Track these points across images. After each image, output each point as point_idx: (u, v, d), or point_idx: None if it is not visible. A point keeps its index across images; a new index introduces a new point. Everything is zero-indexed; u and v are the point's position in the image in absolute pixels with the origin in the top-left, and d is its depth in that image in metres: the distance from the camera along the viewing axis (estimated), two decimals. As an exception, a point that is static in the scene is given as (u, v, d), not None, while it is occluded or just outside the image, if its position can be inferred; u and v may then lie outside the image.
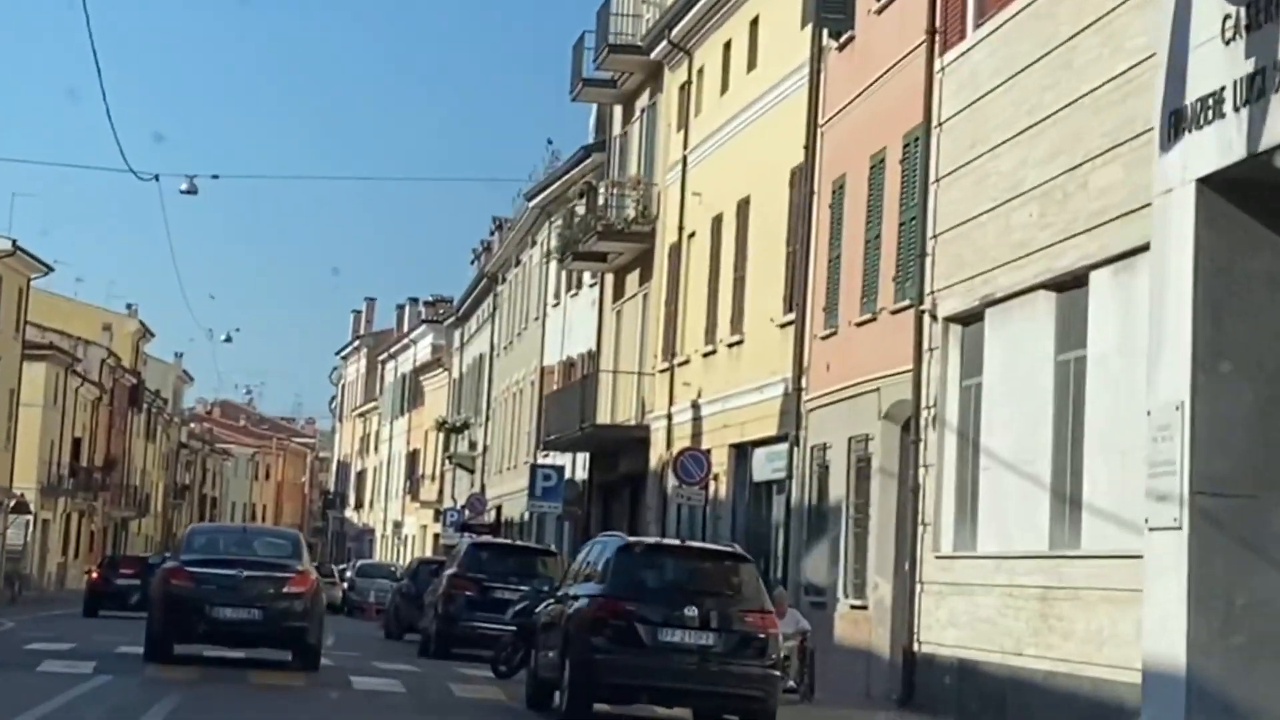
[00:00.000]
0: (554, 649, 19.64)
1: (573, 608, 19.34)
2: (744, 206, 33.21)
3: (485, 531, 58.76)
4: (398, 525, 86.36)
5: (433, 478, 79.87)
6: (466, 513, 61.18)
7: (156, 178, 42.96)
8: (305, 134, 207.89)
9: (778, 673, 18.90)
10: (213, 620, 23.14)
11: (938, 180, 23.18)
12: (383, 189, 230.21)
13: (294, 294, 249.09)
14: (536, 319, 54.56)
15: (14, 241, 70.17)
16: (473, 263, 77.08)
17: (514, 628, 25.01)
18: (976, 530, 21.26)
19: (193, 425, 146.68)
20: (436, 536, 78.33)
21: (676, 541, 21.26)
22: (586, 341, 46.23)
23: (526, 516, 52.69)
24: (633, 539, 20.19)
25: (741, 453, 32.31)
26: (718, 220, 34.78)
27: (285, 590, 23.37)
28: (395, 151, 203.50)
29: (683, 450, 32.76)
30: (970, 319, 22.03)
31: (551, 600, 20.68)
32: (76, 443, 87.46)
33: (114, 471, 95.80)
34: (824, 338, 27.91)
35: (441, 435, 75.86)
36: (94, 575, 51.47)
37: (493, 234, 72.22)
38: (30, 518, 77.93)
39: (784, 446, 29.47)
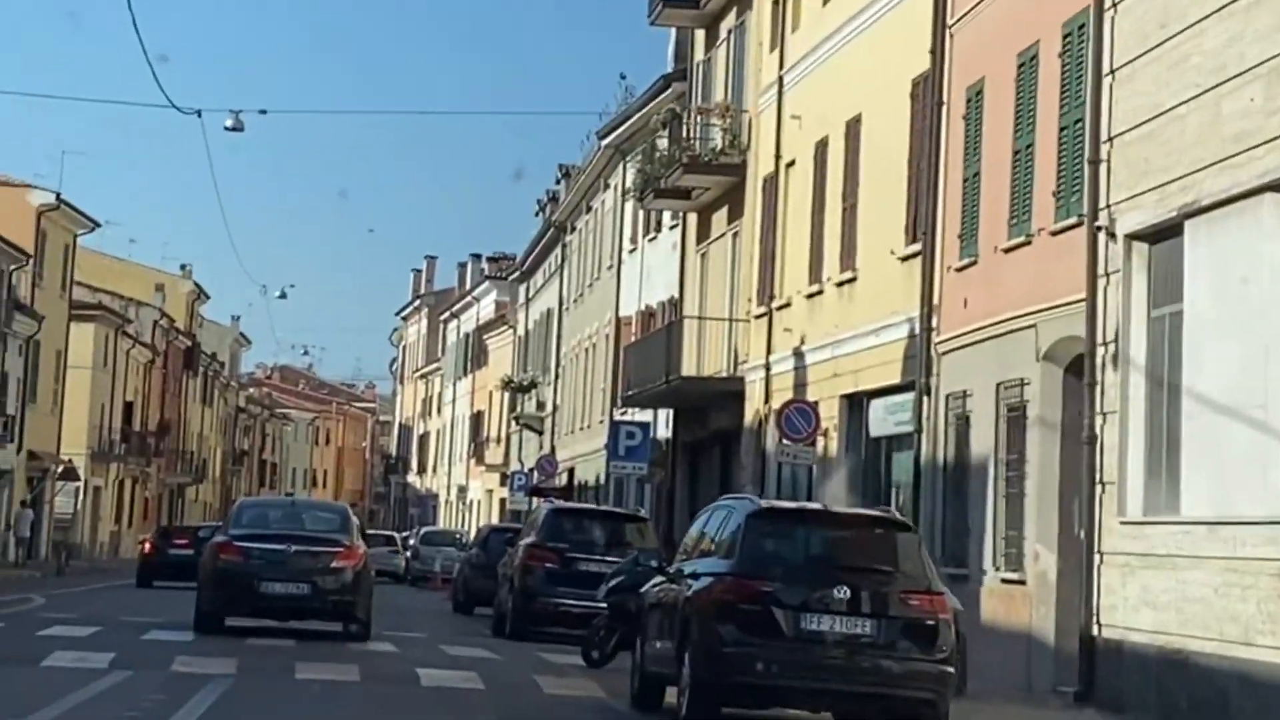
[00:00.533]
0: (668, 638, 16.06)
1: (692, 588, 15.68)
2: (854, 127, 29.37)
3: (557, 495, 55.19)
4: (462, 490, 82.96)
5: (498, 440, 76.39)
6: (536, 476, 57.61)
7: (199, 113, 39.38)
8: (352, 78, 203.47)
9: (950, 668, 15.15)
10: (262, 595, 23.46)
11: (1113, 72, 19.30)
12: (441, 143, 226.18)
13: (349, 253, 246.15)
14: (610, 268, 50.86)
15: (58, 195, 66.84)
16: (538, 214, 73.44)
17: (606, 607, 21.37)
18: (1179, 490, 17.41)
19: (251, 390, 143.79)
20: (503, 502, 74.85)
21: (819, 506, 17.39)
22: (667, 289, 42.52)
23: (602, 479, 49.06)
24: (766, 503, 16.47)
25: (855, 405, 28.54)
26: (822, 145, 30.95)
27: (333, 565, 23.63)
28: (453, 94, 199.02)
29: (788, 403, 29.00)
30: (1162, 235, 18.18)
31: (661, 578, 17.01)
32: (128, 407, 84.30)
33: (168, 436, 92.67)
34: (960, 269, 24.08)
35: (507, 395, 72.33)
36: (147, 546, 50.54)
37: (559, 182, 68.50)
38: (79, 485, 74.83)
39: (909, 396, 25.69)
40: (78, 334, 74.33)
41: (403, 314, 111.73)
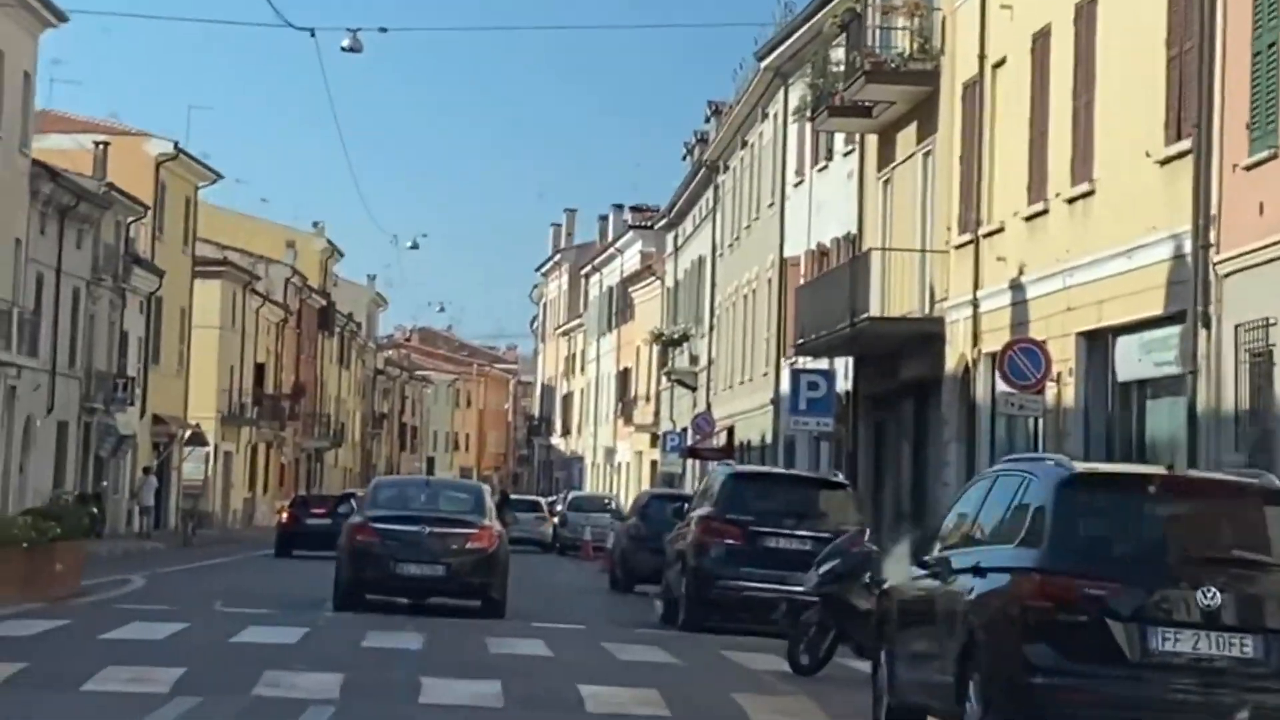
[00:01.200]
0: (942, 657, 11.44)
1: (976, 590, 10.98)
2: (1086, 9, 24.38)
3: (715, 456, 50.58)
4: (610, 452, 78.66)
5: (647, 398, 71.90)
6: (691, 435, 53.05)
7: (312, 32, 35.06)
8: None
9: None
10: (398, 575, 23.68)
11: None
12: (577, 92, 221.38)
13: (487, 210, 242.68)
14: (771, 206, 46.05)
15: (176, 144, 63.03)
16: (685, 157, 68.76)
17: (818, 599, 16.75)
18: None
19: (389, 352, 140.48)
20: (654, 464, 70.35)
21: (1158, 470, 12.22)
22: (842, 223, 37.68)
23: (768, 438, 44.38)
24: (1083, 466, 11.64)
25: (1096, 343, 23.61)
26: (1041, 37, 25.97)
27: (468, 546, 23.76)
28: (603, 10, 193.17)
29: (1011, 343, 24.08)
30: None
31: (923, 572, 12.20)
32: (259, 368, 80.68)
33: (303, 399, 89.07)
34: (1249, 168, 19.11)
35: (657, 350, 67.79)
36: (285, 516, 49.90)
37: (708, 121, 63.75)
38: (209, 450, 71.24)
39: (1174, 330, 20.78)
40: (203, 291, 70.67)
41: (542, 270, 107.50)
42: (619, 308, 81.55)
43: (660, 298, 70.45)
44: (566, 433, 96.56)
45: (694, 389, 60.64)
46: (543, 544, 58.95)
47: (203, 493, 71.90)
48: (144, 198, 59.33)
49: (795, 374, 30.63)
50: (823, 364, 35.79)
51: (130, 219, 58.64)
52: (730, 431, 50.79)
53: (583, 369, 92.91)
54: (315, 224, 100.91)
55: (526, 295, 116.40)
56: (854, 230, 36.62)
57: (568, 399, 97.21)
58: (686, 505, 27.70)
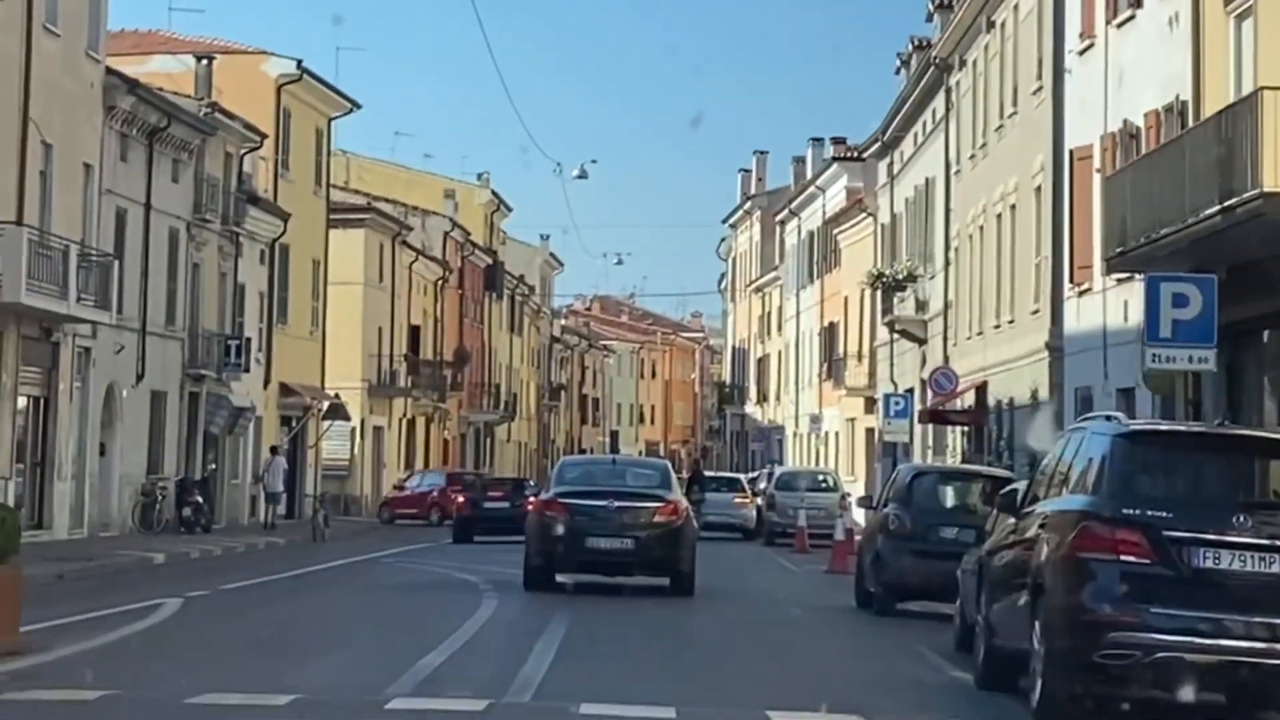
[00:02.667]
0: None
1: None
2: None
3: (964, 420, 40.05)
4: (815, 420, 68.18)
5: (859, 357, 61.28)
6: (930, 395, 42.53)
7: None
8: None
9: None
10: (589, 550, 24.00)
11: None
12: (764, 25, 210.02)
13: (665, 150, 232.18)
14: (1038, 91, 35.26)
15: (299, 63, 53.40)
16: (899, 70, 58.05)
17: None
18: None
19: (567, 319, 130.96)
20: (872, 432, 59.79)
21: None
22: (1163, 87, 26.91)
23: (1044, 393, 33.68)
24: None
25: None
26: None
27: (656, 520, 24.14)
28: None
29: None
30: None
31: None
32: (414, 331, 71.16)
33: (467, 367, 79.42)
34: None
35: (872, 300, 57.21)
36: (460, 502, 47.11)
37: (930, 19, 52.93)
38: (354, 425, 61.84)
39: None
40: (343, 242, 61.21)
41: (730, 220, 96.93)
42: (821, 255, 70.94)
43: (873, 237, 59.76)
44: (763, 400, 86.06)
45: (922, 341, 50.03)
46: (744, 530, 48.70)
47: (348, 475, 62.54)
48: (262, 126, 49.91)
49: (1153, 282, 19.89)
50: (1125, 294, 24.89)
51: (244, 149, 49.14)
52: (981, 389, 40.16)
53: (780, 328, 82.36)
54: (480, 175, 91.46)
55: (713, 256, 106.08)
56: (1183, 94, 25.87)
57: (763, 363, 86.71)
58: (1000, 487, 17.59)
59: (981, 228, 40.96)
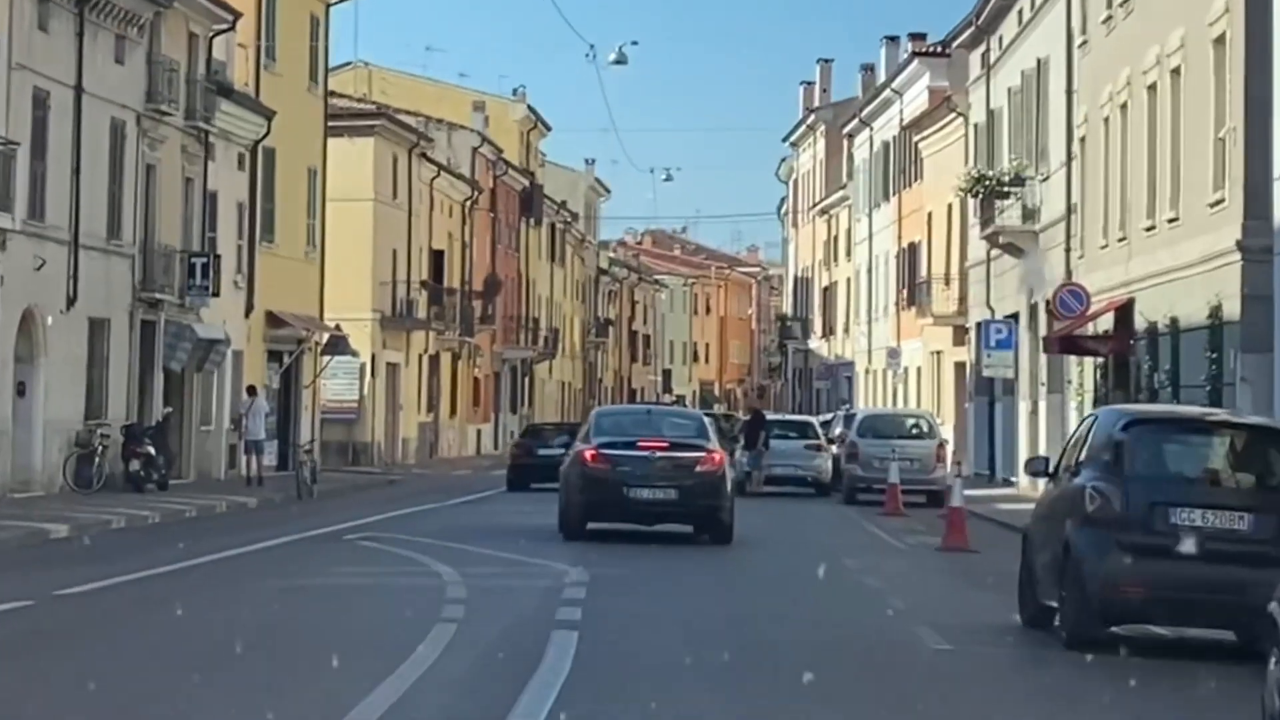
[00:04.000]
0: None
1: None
2: None
3: (1097, 349, 31.64)
4: (892, 354, 59.65)
5: (946, 280, 52.70)
6: (1055, 318, 34.08)
7: None
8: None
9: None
10: (630, 500, 23.81)
11: None
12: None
13: (713, 73, 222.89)
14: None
15: (285, -73, 45.00)
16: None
17: None
18: None
19: (614, 252, 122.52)
20: (961, 367, 51.35)
21: None
22: None
23: (1231, 312, 25.11)
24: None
25: None
26: None
27: (697, 470, 23.92)
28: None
29: None
30: None
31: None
32: (437, 257, 62.85)
33: (497, 297, 71.08)
34: None
35: (967, 210, 48.69)
36: (515, 449, 44.43)
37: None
38: (364, 362, 53.74)
39: None
40: (349, 152, 53.04)
41: (791, 138, 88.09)
42: (898, 167, 62.27)
43: (964, 141, 51.06)
44: (829, 334, 77.47)
45: (1021, 254, 41.54)
46: (818, 484, 40.38)
47: (357, 419, 54.39)
48: (238, 5, 41.58)
49: None
50: None
51: (212, 30, 40.83)
52: (1123, 309, 31.63)
53: (848, 253, 73.72)
54: (515, 90, 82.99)
55: (770, 184, 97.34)
56: None
57: (829, 293, 78.10)
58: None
59: (1123, 106, 32.30)
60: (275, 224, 45.37)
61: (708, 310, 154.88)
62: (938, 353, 54.50)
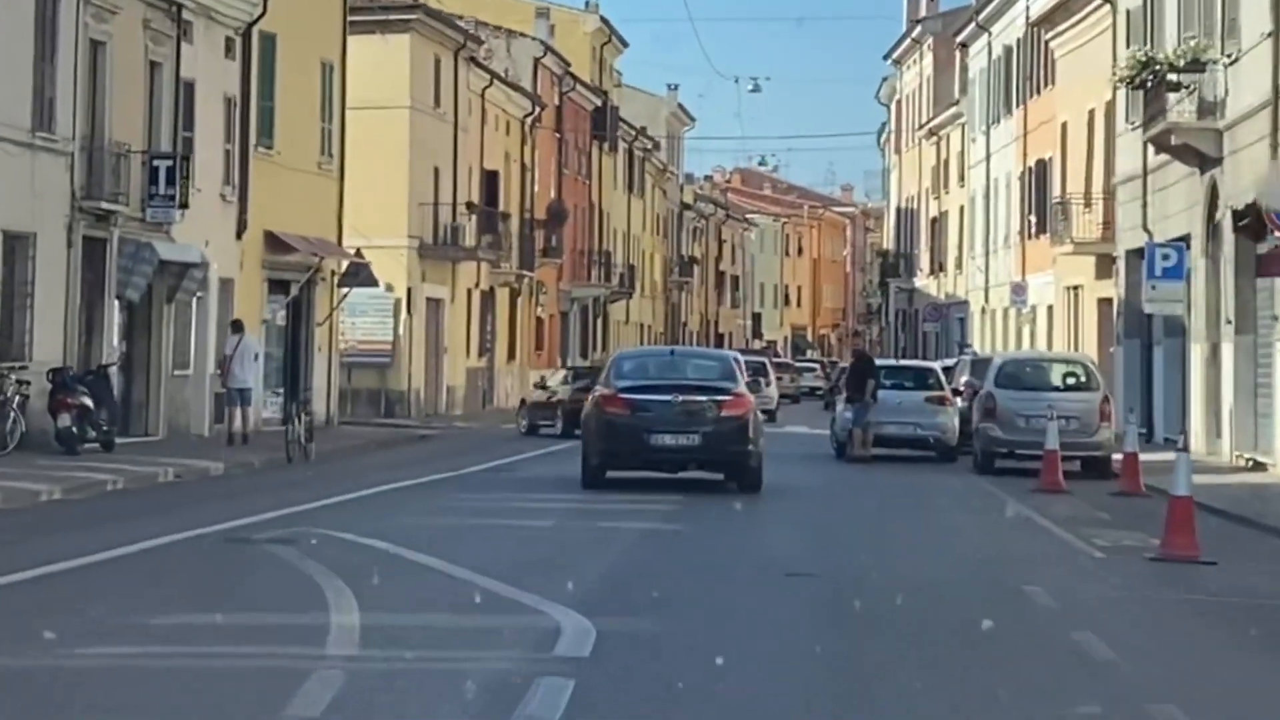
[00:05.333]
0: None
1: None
2: None
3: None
4: (1017, 290, 51.08)
5: (1088, 202, 44.04)
6: (1222, 236, 25.61)
7: None
8: None
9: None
10: (652, 448, 22.75)
11: None
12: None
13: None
14: None
15: None
16: None
17: None
18: None
19: (701, 185, 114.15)
20: (1108, 304, 42.83)
21: None
22: None
23: None
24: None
25: None
26: None
27: (723, 414, 22.79)
28: None
29: None
30: None
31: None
32: (490, 179, 54.71)
33: (561, 226, 62.84)
34: None
35: (1115, 112, 40.13)
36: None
37: None
38: (399, 297, 45.92)
39: None
40: (379, 50, 45.09)
41: (894, 55, 79.26)
42: (1024, 73, 53.53)
43: (1111, 32, 42.31)
44: (938, 270, 68.82)
45: (1213, 161, 32.91)
46: (941, 447, 32.11)
47: (391, 363, 46.49)
48: None
49: None
50: None
51: (186, -123, 32.80)
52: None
53: (961, 178, 65.02)
54: (588, 2, 74.53)
55: (872, 96, 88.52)
56: None
57: (938, 224, 69.43)
58: None
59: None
60: (275, 126, 37.35)
61: (800, 251, 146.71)
62: (1075, 288, 45.93)
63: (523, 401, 43.72)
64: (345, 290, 40.84)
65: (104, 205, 29.49)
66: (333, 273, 40.66)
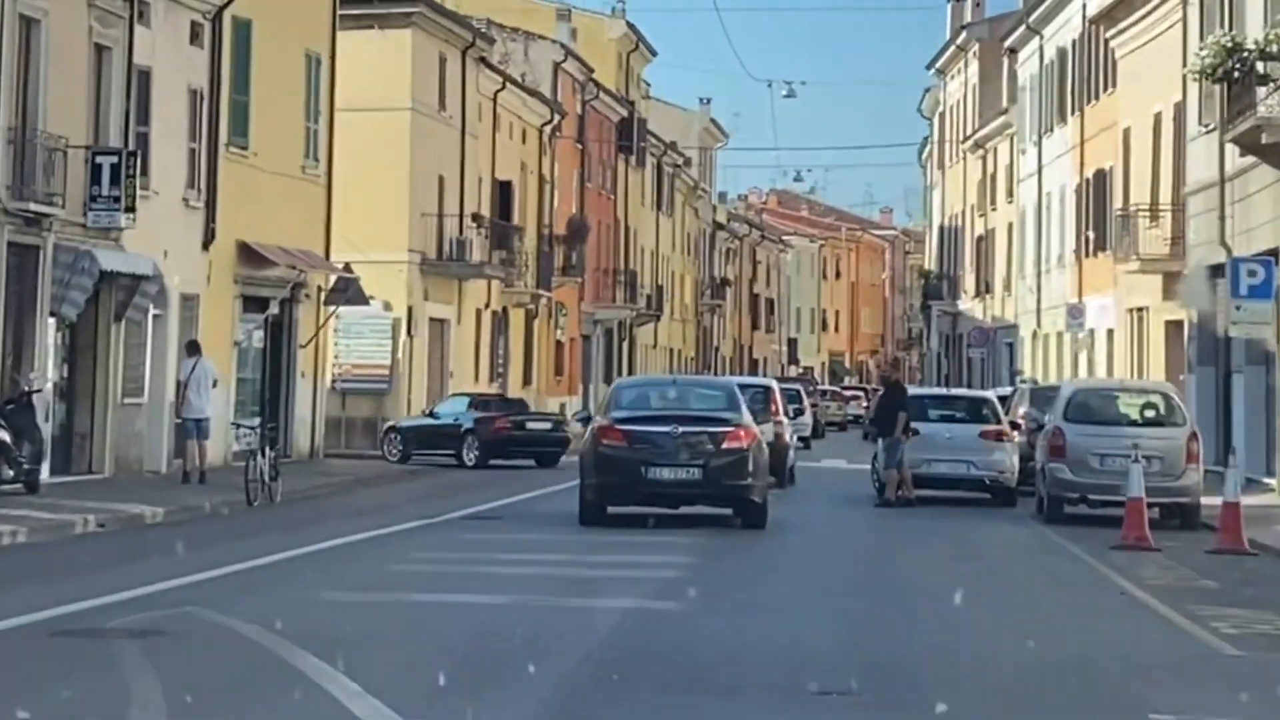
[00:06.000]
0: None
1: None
2: None
3: None
4: (1074, 313, 46.80)
5: (1153, 214, 39.84)
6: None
7: None
8: None
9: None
10: (650, 482, 21.83)
11: None
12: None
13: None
14: None
15: None
16: None
17: None
18: None
19: (734, 205, 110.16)
20: (1177, 327, 38.60)
21: None
22: None
23: None
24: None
25: None
26: None
27: (724, 446, 21.89)
28: None
29: None
30: None
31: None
32: (503, 190, 50.78)
33: (581, 244, 58.83)
34: None
35: (1185, 114, 35.99)
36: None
37: None
38: (397, 317, 42.07)
39: None
40: (379, 46, 41.31)
41: (937, 65, 75.09)
42: (1080, 76, 49.35)
43: (1182, 25, 38.14)
44: (984, 292, 64.58)
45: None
46: (997, 489, 27.99)
47: (388, 390, 42.52)
48: None
49: None
50: None
51: None
52: None
53: (1009, 193, 60.81)
54: (617, 6, 70.60)
55: (915, 108, 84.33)
56: None
57: (984, 243, 65.23)
58: None
59: None
60: (250, 124, 33.41)
61: (838, 275, 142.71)
62: (1139, 310, 41.70)
63: (392, 428, 39.26)
64: (332, 309, 36.87)
65: (34, 207, 25.62)
66: (319, 289, 36.73)
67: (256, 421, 29.48)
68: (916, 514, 26.03)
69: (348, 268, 36.47)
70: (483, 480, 33.46)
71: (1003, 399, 32.42)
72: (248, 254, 33.18)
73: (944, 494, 28.38)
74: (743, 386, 26.25)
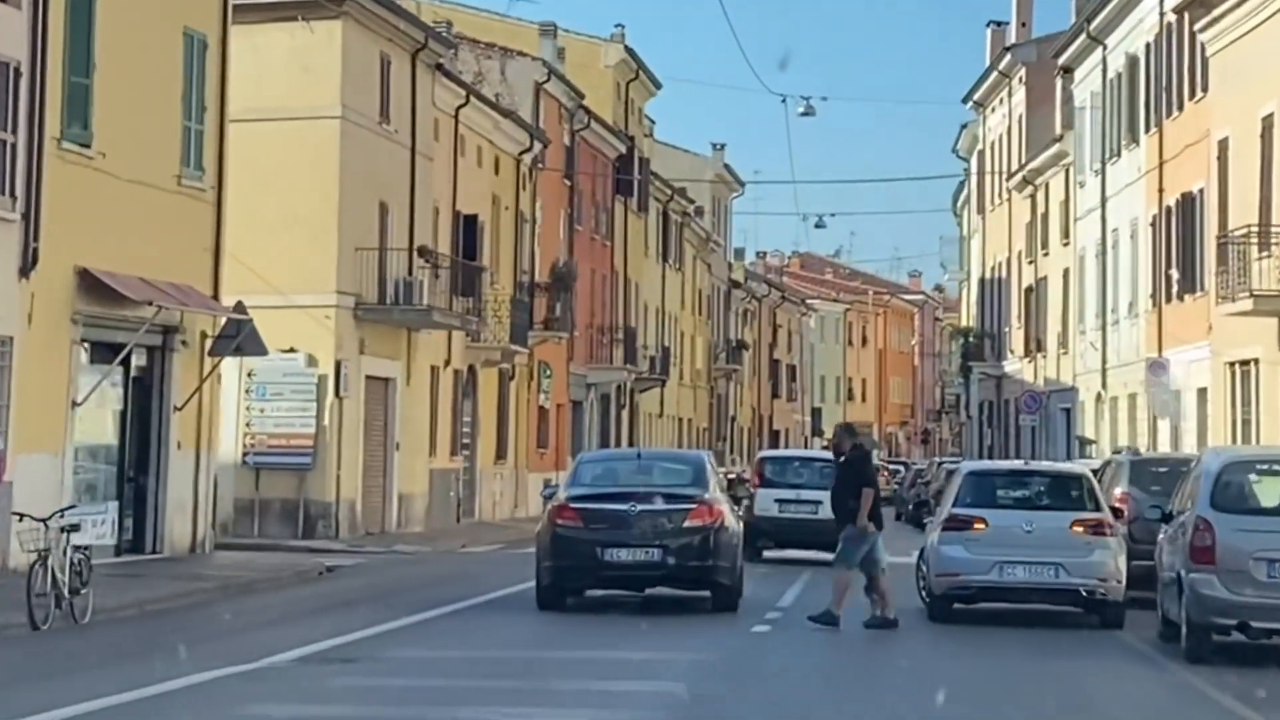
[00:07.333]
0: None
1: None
2: None
3: None
4: (1156, 369, 38.41)
5: (1262, 242, 31.55)
6: None
7: None
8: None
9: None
10: (608, 564, 20.49)
11: None
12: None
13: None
14: None
15: None
16: None
17: None
18: None
19: (751, 264, 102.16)
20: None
21: None
22: None
23: None
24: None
25: None
26: None
27: (686, 524, 20.63)
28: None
29: None
30: None
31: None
32: (467, 225, 42.68)
33: (568, 294, 50.51)
34: None
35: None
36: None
37: None
38: (322, 374, 33.94)
39: None
40: (303, 41, 33.65)
41: (975, 96, 66.88)
42: (1160, 85, 41.14)
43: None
44: (1035, 350, 56.10)
45: None
46: (1100, 605, 19.74)
47: (312, 465, 34.43)
48: None
49: None
50: None
51: None
52: None
53: (1065, 234, 52.49)
54: (614, 31, 62.58)
55: (949, 147, 76.03)
56: None
57: (1034, 294, 56.82)
58: None
59: None
60: (94, 115, 25.33)
61: (864, 341, 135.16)
62: (1244, 362, 33.39)
63: None
64: (217, 359, 28.69)
65: None
66: (203, 335, 28.61)
67: (69, 506, 21.33)
68: (987, 639, 17.88)
69: (239, 307, 28.32)
70: (449, 578, 25.45)
71: (1101, 476, 24.09)
72: (91, 285, 25.12)
73: (1010, 606, 20.21)
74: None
